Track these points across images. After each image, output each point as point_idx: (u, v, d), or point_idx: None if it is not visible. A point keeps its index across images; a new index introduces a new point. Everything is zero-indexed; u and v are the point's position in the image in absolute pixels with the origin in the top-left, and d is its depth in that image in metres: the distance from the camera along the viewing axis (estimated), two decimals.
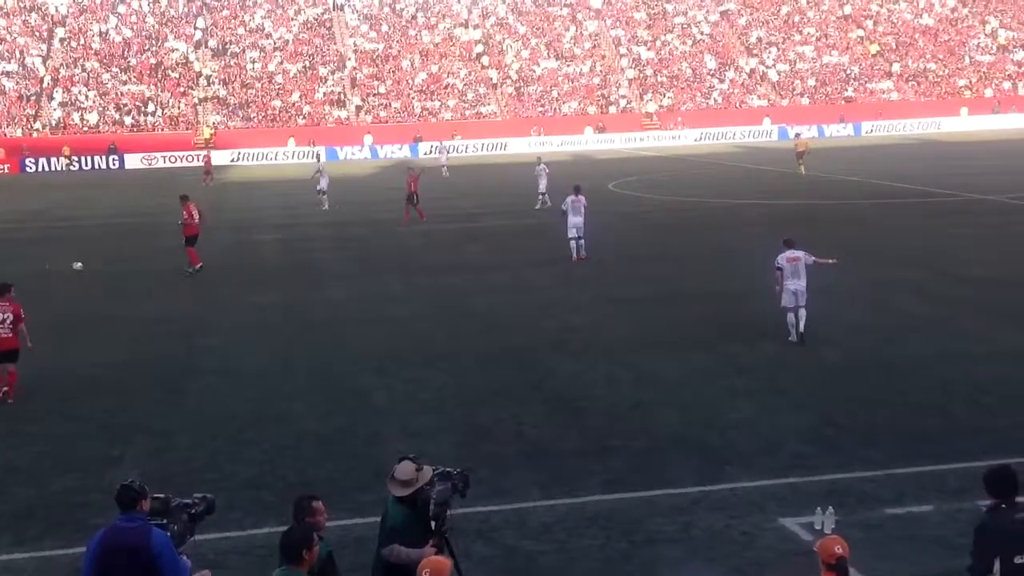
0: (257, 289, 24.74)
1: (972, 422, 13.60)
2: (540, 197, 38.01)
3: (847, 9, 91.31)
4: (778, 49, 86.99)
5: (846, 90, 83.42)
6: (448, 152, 61.58)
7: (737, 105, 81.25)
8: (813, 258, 17.91)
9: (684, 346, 18.03)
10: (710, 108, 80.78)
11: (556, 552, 10.23)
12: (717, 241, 29.67)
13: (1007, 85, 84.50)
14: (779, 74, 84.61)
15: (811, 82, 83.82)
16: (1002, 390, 14.83)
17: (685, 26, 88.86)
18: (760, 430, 13.49)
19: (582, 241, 26.84)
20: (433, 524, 7.38)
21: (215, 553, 9.92)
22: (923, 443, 12.80)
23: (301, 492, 7.72)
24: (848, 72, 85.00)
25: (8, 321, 15.69)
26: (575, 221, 26.74)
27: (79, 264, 27.82)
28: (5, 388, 15.78)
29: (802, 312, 17.57)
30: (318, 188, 41.34)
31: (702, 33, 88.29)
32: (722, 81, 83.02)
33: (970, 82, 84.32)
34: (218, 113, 75.48)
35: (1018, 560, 6.73)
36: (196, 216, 27.23)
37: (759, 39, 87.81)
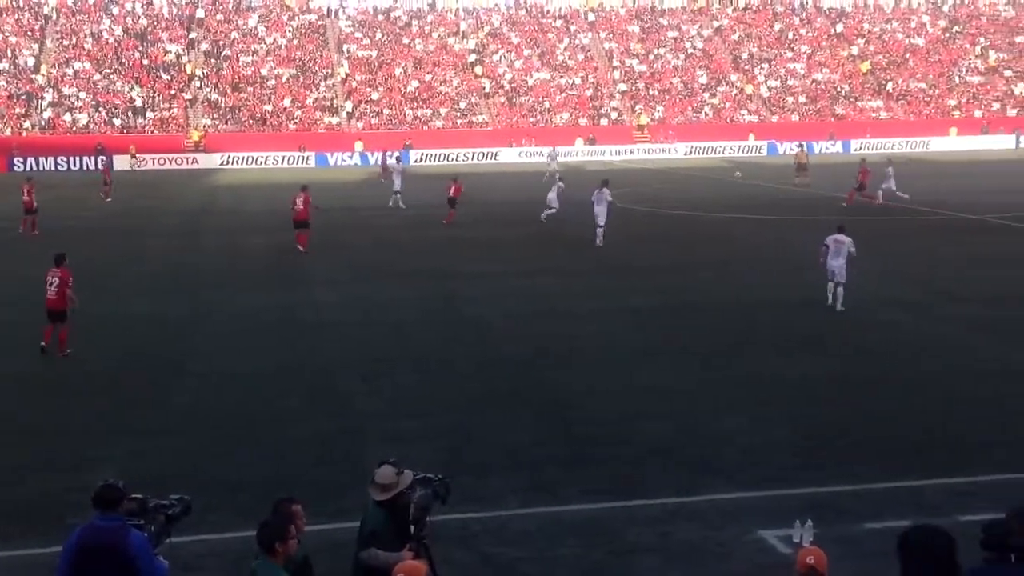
0: (248, 291, 24.70)
1: (950, 438, 13.68)
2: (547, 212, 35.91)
3: (839, 27, 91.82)
4: (769, 65, 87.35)
5: (836, 108, 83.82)
6: (556, 159, 58.75)
7: (728, 120, 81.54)
8: (853, 250, 21.22)
9: (680, 357, 18.11)
10: (700, 122, 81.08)
11: (534, 560, 10.24)
12: (710, 253, 29.76)
13: (996, 106, 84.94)
14: (770, 90, 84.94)
15: (802, 99, 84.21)
16: (985, 408, 14.95)
17: (678, 40, 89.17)
18: (745, 443, 13.53)
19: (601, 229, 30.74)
20: (412, 528, 7.38)
21: (191, 556, 9.90)
22: (903, 458, 12.86)
23: (280, 495, 7.72)
24: (839, 90, 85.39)
25: (55, 285, 17.81)
26: (600, 210, 30.78)
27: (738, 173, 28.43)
28: (67, 351, 18.02)
29: (840, 290, 21.02)
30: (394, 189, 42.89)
31: (695, 48, 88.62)
32: (713, 96, 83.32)
33: (959, 102, 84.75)
34: (209, 116, 75.35)
35: None
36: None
37: (751, 55, 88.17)
